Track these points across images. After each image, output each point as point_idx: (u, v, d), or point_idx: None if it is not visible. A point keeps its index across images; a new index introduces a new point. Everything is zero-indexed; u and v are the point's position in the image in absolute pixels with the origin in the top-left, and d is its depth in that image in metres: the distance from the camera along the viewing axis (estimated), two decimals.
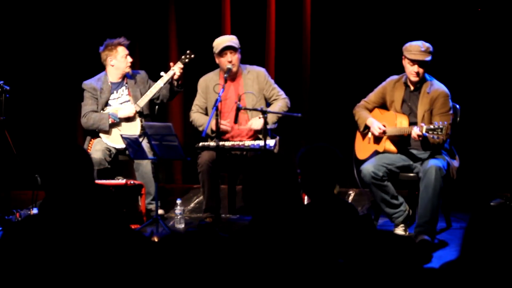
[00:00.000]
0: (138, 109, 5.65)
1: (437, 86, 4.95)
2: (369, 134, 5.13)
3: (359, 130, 5.21)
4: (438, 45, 6.26)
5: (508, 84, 6.23)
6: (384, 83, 5.14)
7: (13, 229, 2.51)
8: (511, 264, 2.05)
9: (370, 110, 5.19)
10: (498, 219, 2.09)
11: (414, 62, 4.89)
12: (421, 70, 4.91)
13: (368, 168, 4.87)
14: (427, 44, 4.94)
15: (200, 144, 5.35)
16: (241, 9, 6.76)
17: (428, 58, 4.90)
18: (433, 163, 4.75)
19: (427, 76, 4.99)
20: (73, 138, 7.02)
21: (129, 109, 5.63)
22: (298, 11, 6.63)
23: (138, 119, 5.65)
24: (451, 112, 4.92)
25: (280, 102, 5.52)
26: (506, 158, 6.23)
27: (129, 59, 5.68)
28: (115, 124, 5.63)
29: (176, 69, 5.63)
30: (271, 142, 5.20)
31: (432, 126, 4.66)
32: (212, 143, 5.24)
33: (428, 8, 6.34)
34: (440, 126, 4.62)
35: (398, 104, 5.02)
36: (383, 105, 5.16)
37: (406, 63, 4.94)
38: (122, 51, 5.65)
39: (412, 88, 4.99)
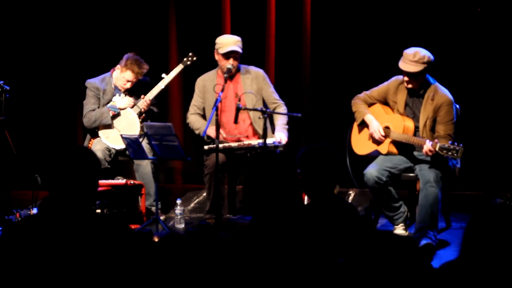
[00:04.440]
0: (138, 110, 5.65)
1: (442, 93, 4.82)
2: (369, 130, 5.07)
3: (356, 122, 5.17)
4: (438, 45, 6.28)
5: (508, 84, 6.23)
6: (388, 82, 5.05)
7: (12, 229, 2.51)
8: (511, 264, 2.05)
9: (370, 105, 5.15)
10: (498, 219, 2.09)
11: (403, 71, 4.80)
12: (411, 80, 4.77)
13: (372, 172, 4.82)
14: (422, 54, 4.72)
15: (206, 147, 5.33)
16: (241, 9, 6.76)
17: (417, 69, 4.70)
18: (432, 175, 4.71)
19: (430, 79, 4.87)
20: (73, 138, 7.03)
21: (126, 100, 5.64)
22: (298, 11, 6.63)
23: (138, 119, 5.65)
24: (454, 120, 4.81)
25: (282, 112, 5.50)
26: (506, 158, 6.23)
27: (128, 85, 5.64)
28: (115, 123, 5.63)
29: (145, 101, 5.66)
30: (270, 140, 5.22)
31: (446, 145, 4.53)
32: (220, 145, 5.22)
33: (428, 8, 6.34)
34: (456, 148, 4.50)
35: (401, 107, 4.96)
36: (385, 103, 5.12)
37: None
38: (128, 76, 5.60)
39: (415, 90, 4.88)
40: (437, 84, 4.88)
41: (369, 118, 5.04)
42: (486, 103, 6.26)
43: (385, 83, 5.08)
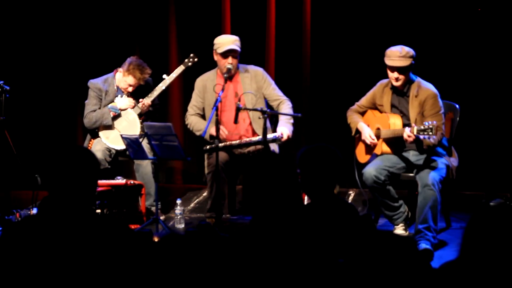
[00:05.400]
0: (138, 111, 5.65)
1: (425, 87, 4.89)
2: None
3: (352, 133, 5.22)
4: (438, 45, 6.30)
5: (508, 84, 6.23)
6: (374, 88, 5.13)
7: (12, 229, 2.51)
8: (511, 264, 2.05)
9: (363, 114, 5.20)
10: (498, 219, 2.09)
11: (393, 68, 4.85)
12: (401, 76, 4.84)
13: (370, 171, 4.85)
14: (407, 49, 4.84)
15: (208, 146, 5.32)
16: (241, 9, 6.76)
17: (407, 63, 4.80)
18: (431, 178, 4.72)
19: (412, 76, 4.93)
20: (73, 138, 7.03)
21: (127, 101, 5.64)
22: (298, 11, 6.63)
23: (138, 120, 5.65)
24: (441, 111, 4.85)
25: (287, 110, 5.48)
26: (506, 158, 6.23)
27: (130, 89, 5.64)
28: (115, 124, 5.63)
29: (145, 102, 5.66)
30: (270, 136, 5.23)
31: (422, 127, 4.60)
32: (221, 144, 5.21)
33: (428, 8, 6.33)
34: (430, 126, 4.56)
35: (387, 109, 5.01)
36: (375, 108, 5.16)
37: (387, 68, 4.90)
38: (130, 80, 5.59)
39: (399, 90, 4.94)
40: (420, 79, 4.95)
41: (361, 126, 5.12)
42: (486, 103, 6.26)
43: (372, 90, 5.17)
